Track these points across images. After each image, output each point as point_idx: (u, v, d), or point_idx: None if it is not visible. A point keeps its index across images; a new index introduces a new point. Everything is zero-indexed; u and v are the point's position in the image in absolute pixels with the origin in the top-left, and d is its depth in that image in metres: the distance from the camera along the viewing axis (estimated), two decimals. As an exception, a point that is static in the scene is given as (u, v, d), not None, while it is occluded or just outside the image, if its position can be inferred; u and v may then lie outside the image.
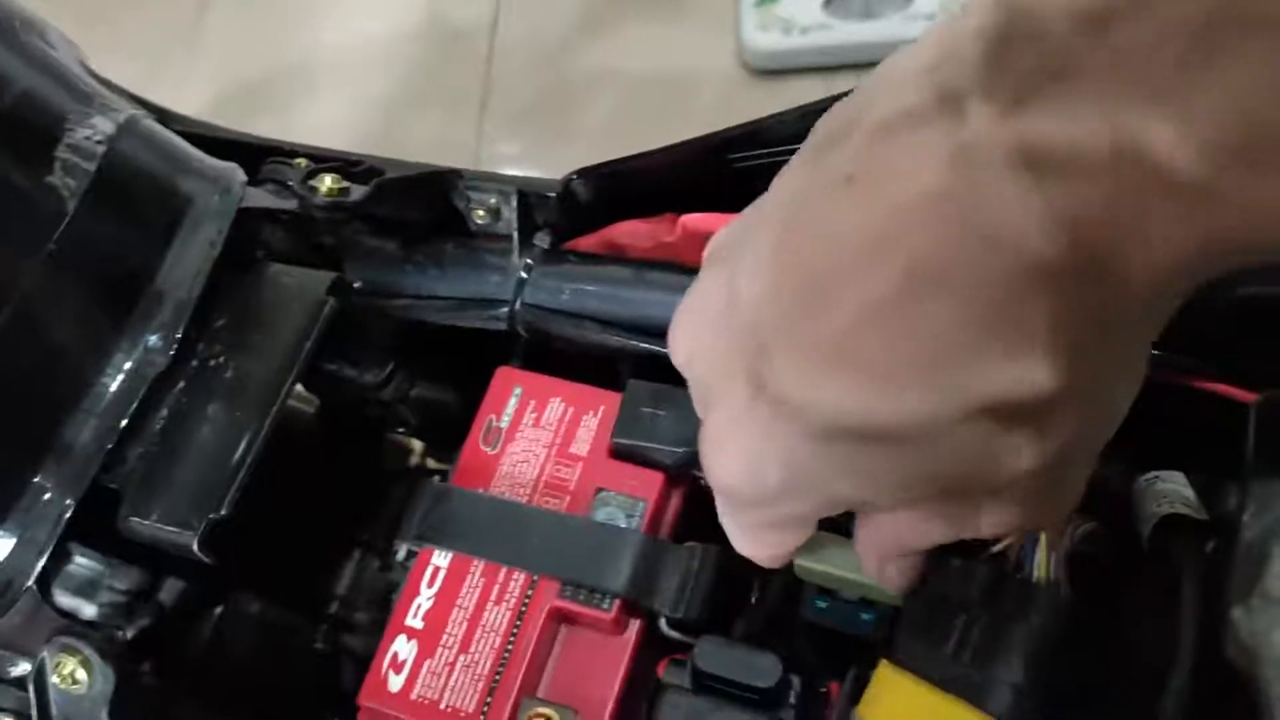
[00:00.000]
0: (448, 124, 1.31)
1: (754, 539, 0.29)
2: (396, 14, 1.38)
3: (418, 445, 0.62)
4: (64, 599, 0.48)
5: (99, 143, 0.33)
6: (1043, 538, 0.32)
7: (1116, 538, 0.33)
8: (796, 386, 0.23)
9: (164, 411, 0.35)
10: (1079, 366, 0.22)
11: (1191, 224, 0.19)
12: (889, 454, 0.23)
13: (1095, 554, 0.32)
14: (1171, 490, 0.33)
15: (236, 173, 0.38)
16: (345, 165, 0.42)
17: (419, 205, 0.43)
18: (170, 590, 0.54)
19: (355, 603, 0.59)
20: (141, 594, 0.53)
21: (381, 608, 0.58)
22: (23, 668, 0.37)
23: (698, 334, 0.26)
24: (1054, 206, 0.20)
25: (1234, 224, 0.19)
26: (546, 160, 1.28)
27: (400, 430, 0.55)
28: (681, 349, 0.27)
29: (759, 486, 0.25)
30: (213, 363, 0.36)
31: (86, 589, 0.52)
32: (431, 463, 0.63)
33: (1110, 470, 0.36)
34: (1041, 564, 0.32)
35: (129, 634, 0.50)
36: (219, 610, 0.54)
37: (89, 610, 0.51)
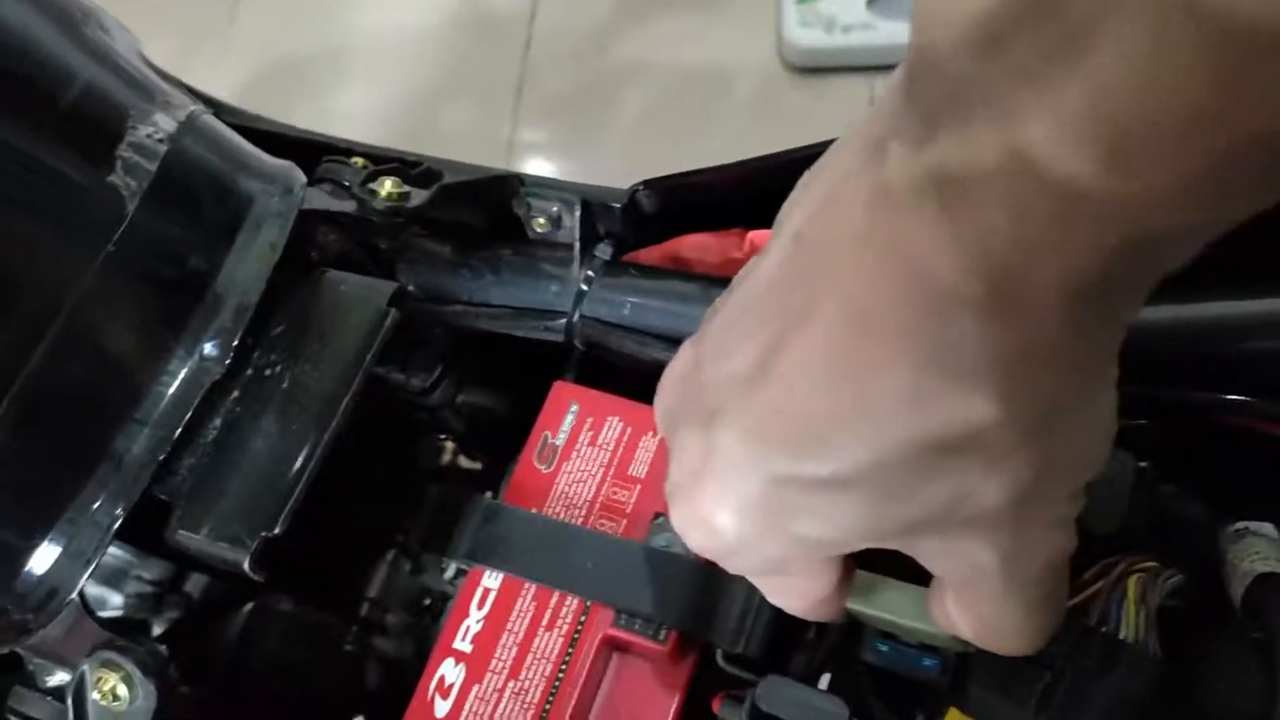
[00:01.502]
0: (482, 112, 1.29)
1: (766, 589, 0.30)
2: (435, 2, 1.36)
3: (450, 445, 0.61)
4: (91, 589, 0.47)
5: (160, 141, 0.32)
6: (1131, 590, 0.31)
7: (1203, 591, 0.32)
8: (741, 444, 0.24)
9: (218, 421, 0.34)
10: (1021, 395, 0.22)
11: (1092, 230, 0.19)
12: (843, 498, 0.24)
13: (1183, 609, 0.31)
14: (1263, 545, 0.32)
15: (296, 172, 0.37)
16: (403, 167, 0.41)
17: (478, 210, 0.41)
18: (198, 583, 0.53)
19: (386, 605, 0.58)
20: (169, 586, 0.53)
21: (412, 611, 0.58)
22: (59, 678, 0.36)
23: (667, 394, 0.28)
24: (961, 235, 0.20)
25: (1132, 223, 0.19)
26: (580, 152, 1.27)
27: (443, 436, 0.54)
28: (658, 408, 0.28)
29: (718, 536, 0.26)
30: (269, 372, 0.35)
31: (114, 579, 0.51)
32: (464, 461, 0.62)
33: (1193, 515, 0.34)
34: (1129, 619, 0.30)
35: (157, 628, 0.49)
36: (249, 608, 0.53)
37: (116, 600, 0.50)
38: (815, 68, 1.22)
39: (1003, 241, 0.20)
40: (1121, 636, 0.30)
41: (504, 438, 0.51)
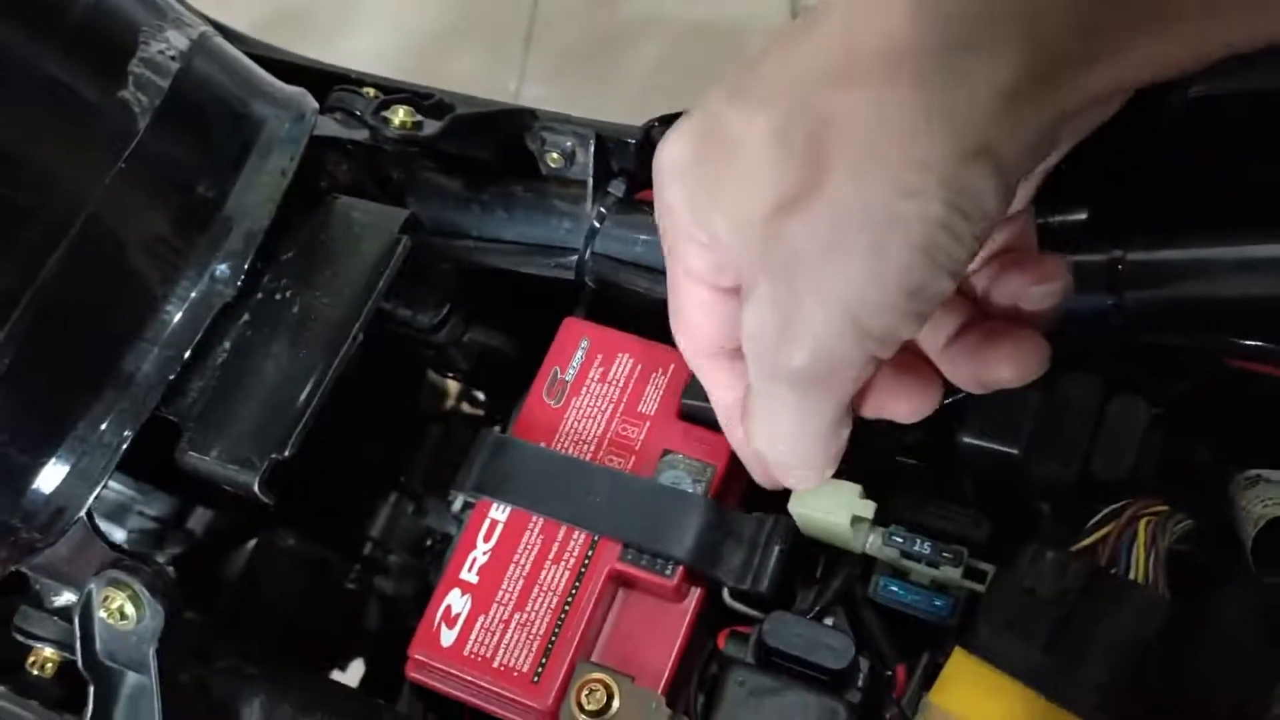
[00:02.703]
0: (489, 63, 1.28)
1: (677, 296, 0.29)
2: (445, -55, 1.35)
3: (454, 387, 0.61)
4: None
5: (172, 58, 0.32)
6: (1141, 534, 0.31)
7: (1214, 536, 0.32)
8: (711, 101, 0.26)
9: (227, 344, 0.34)
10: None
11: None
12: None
13: (1193, 553, 0.31)
14: (1276, 491, 0.32)
15: (308, 99, 0.37)
16: (416, 98, 0.41)
17: (491, 144, 0.41)
18: (202, 520, 0.53)
19: (389, 545, 0.58)
20: (172, 521, 0.53)
21: (414, 552, 0.58)
22: (66, 598, 0.36)
23: None
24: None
25: None
26: (588, 105, 1.25)
27: (450, 375, 0.54)
28: None
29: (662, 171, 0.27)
30: (278, 297, 0.34)
31: (117, 514, 0.51)
32: (467, 406, 0.62)
33: (1204, 460, 0.34)
34: (1139, 562, 0.30)
35: (162, 561, 0.50)
36: (252, 544, 0.53)
37: (119, 535, 0.50)
38: (827, 23, 1.21)
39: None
40: (1131, 578, 0.30)
41: (510, 376, 0.51)
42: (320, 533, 0.55)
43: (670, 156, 0.27)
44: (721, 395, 0.31)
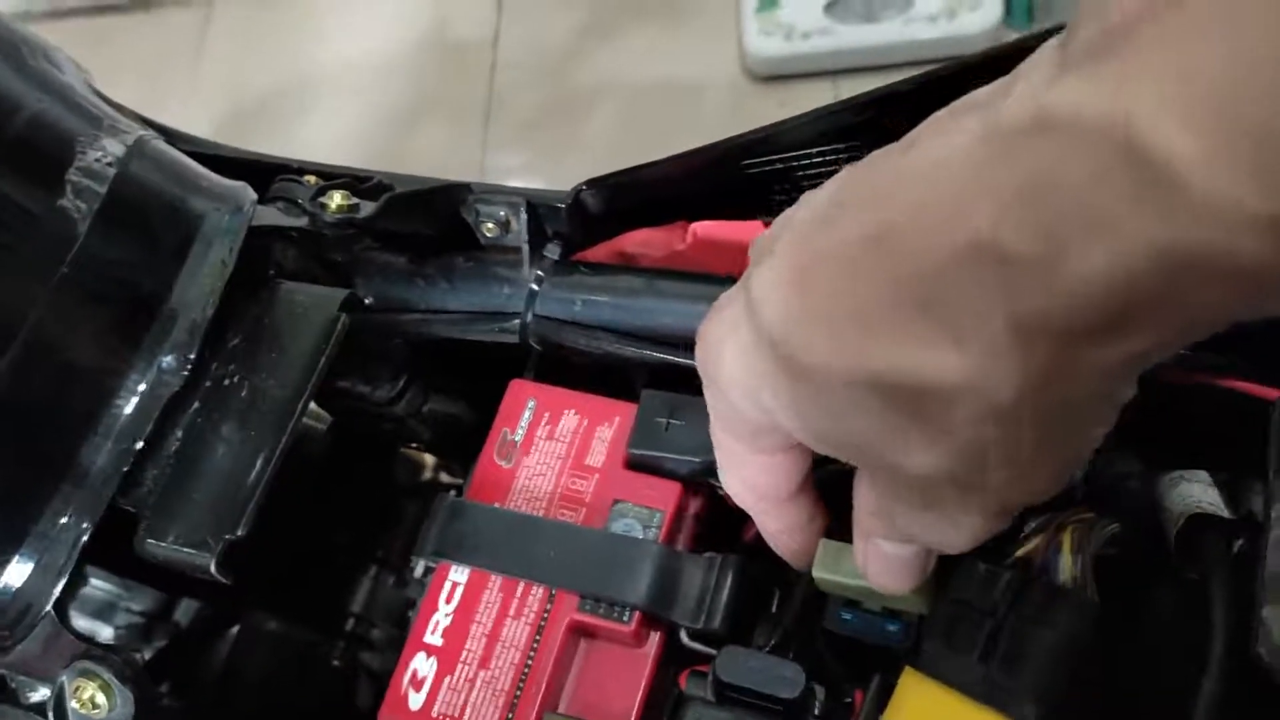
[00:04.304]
0: (452, 137, 1.31)
1: (725, 462, 0.31)
2: (399, 28, 1.38)
3: (430, 460, 0.62)
4: (81, 622, 0.48)
5: (109, 164, 0.33)
6: (1066, 541, 0.32)
7: (1141, 539, 0.33)
8: (758, 286, 0.25)
9: (179, 433, 0.35)
10: (994, 379, 0.21)
11: (1170, 224, 0.18)
12: (800, 387, 0.25)
13: (1120, 556, 0.32)
14: (1196, 490, 0.33)
15: (246, 191, 0.38)
16: (354, 181, 0.42)
17: (428, 219, 0.43)
18: (186, 611, 0.54)
19: (372, 619, 0.59)
20: (158, 615, 0.53)
21: (398, 624, 0.58)
22: (41, 693, 0.37)
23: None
24: (1032, 184, 0.19)
25: (1227, 236, 0.17)
26: (552, 171, 1.28)
27: (414, 445, 0.55)
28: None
29: (712, 358, 0.27)
30: (227, 382, 0.36)
31: (104, 611, 0.52)
32: (445, 477, 0.63)
33: (1130, 469, 0.35)
34: (1066, 567, 0.31)
35: (147, 655, 0.50)
36: (235, 630, 0.54)
37: (106, 633, 0.51)
38: (779, 75, 1.24)
39: (1069, 204, 0.19)
40: (1060, 584, 0.31)
41: (474, 442, 0.52)
42: (302, 612, 0.56)
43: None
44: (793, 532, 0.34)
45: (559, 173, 1.27)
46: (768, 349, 0.25)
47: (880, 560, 0.30)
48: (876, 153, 0.25)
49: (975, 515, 0.25)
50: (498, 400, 0.42)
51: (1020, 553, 0.32)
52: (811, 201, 0.26)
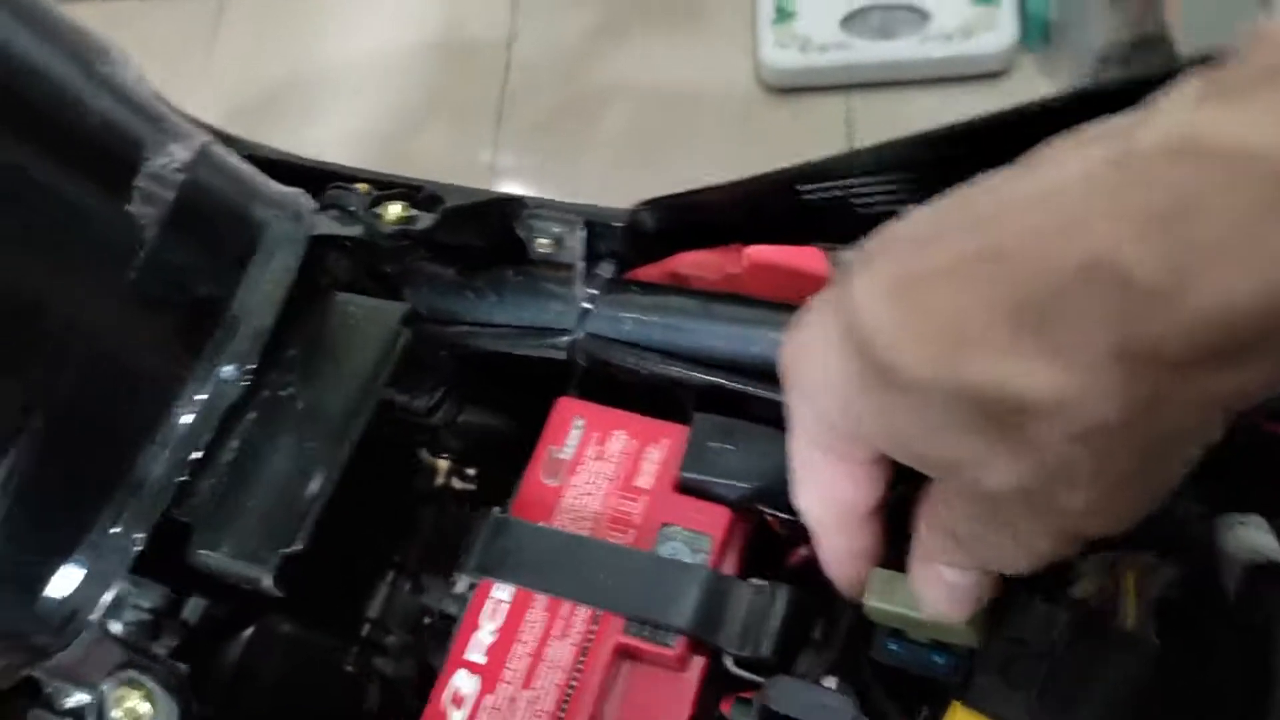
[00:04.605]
0: (462, 137, 1.30)
1: (802, 469, 0.31)
2: (414, 26, 1.38)
3: (443, 465, 0.62)
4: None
5: (177, 170, 0.33)
6: (1129, 583, 0.32)
7: (1198, 583, 0.33)
8: (858, 294, 0.25)
9: (235, 443, 0.35)
10: (1093, 399, 0.21)
11: None
12: (891, 398, 0.25)
13: (1180, 601, 0.32)
14: (1254, 535, 0.33)
15: (305, 199, 0.38)
16: (408, 191, 0.42)
17: (480, 232, 0.42)
18: (195, 608, 0.53)
19: (387, 625, 0.58)
20: (166, 612, 0.53)
21: (413, 631, 0.58)
22: (77, 699, 0.37)
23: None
24: (1174, 210, 0.19)
25: None
26: (561, 175, 1.28)
27: (443, 456, 0.55)
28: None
29: (803, 356, 0.27)
30: (283, 393, 0.35)
31: (111, 609, 0.51)
32: (457, 482, 0.63)
33: (1187, 511, 0.36)
34: (1129, 610, 0.32)
35: (159, 654, 0.50)
36: (249, 631, 0.53)
37: (114, 628, 0.51)
38: (792, 87, 1.24)
39: (1209, 231, 0.19)
40: (1120, 626, 0.31)
41: (504, 454, 0.51)
42: (319, 617, 0.55)
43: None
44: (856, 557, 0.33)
45: (569, 176, 1.27)
46: (862, 356, 0.25)
47: (938, 586, 0.30)
48: (987, 176, 0.25)
49: (1045, 539, 0.26)
50: (532, 414, 0.42)
51: (1080, 593, 0.32)
52: (916, 217, 0.26)
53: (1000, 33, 1.19)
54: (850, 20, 1.23)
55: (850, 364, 0.26)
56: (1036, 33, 1.20)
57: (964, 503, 0.27)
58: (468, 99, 1.32)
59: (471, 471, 0.60)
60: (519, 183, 1.30)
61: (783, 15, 1.25)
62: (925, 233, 0.25)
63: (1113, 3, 1.09)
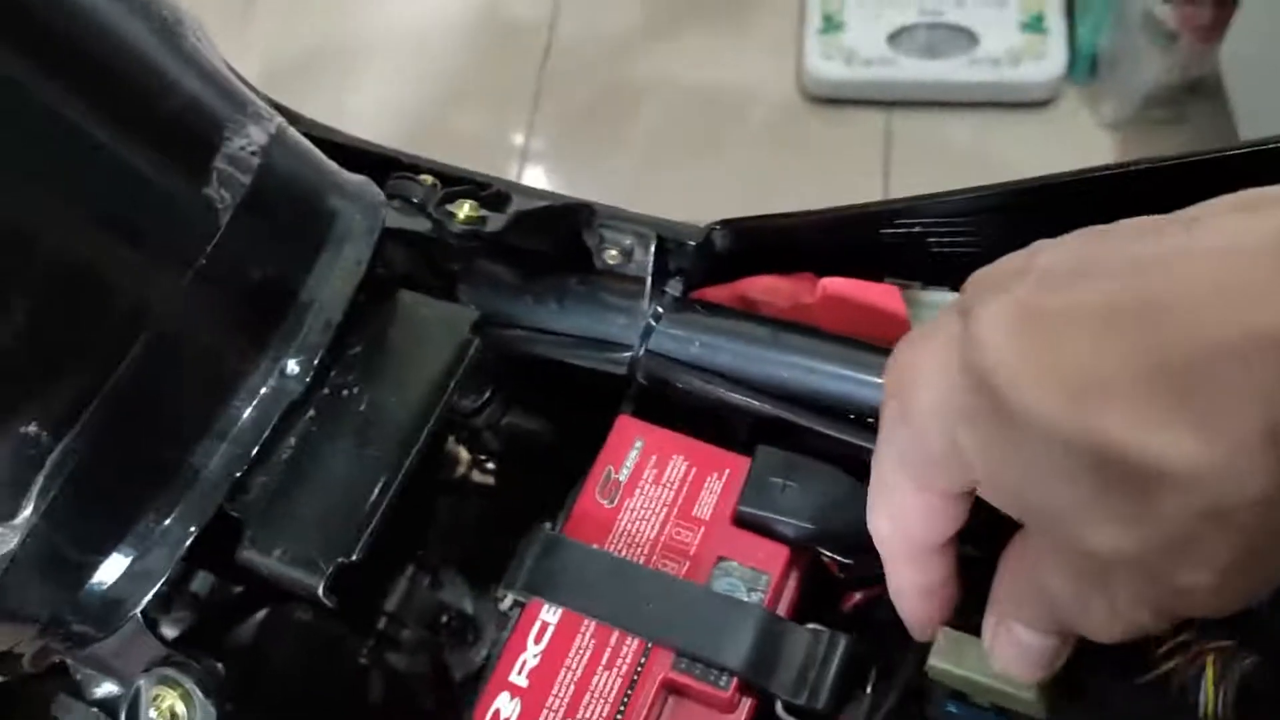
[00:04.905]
0: (497, 118, 1.29)
1: (881, 490, 0.29)
2: (456, 4, 1.36)
3: (465, 455, 0.60)
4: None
5: (254, 153, 0.32)
6: (1209, 669, 0.31)
7: (1272, 671, 0.32)
8: (984, 323, 0.24)
9: (292, 441, 0.33)
10: (1234, 470, 0.21)
11: None
12: (1005, 433, 0.24)
13: (1259, 691, 0.31)
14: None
15: (375, 189, 0.37)
16: (475, 188, 0.41)
17: (547, 237, 0.41)
18: (204, 583, 0.52)
19: (404, 620, 0.57)
20: (176, 587, 0.52)
21: (429, 627, 0.57)
22: (107, 689, 0.35)
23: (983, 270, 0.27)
24: None
25: None
26: (593, 165, 1.27)
27: (481, 457, 0.54)
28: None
29: (908, 377, 0.26)
30: (345, 393, 0.34)
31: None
32: (476, 475, 0.61)
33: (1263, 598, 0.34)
34: (1208, 697, 0.30)
35: (165, 627, 0.49)
36: (262, 614, 0.52)
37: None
38: (833, 99, 1.23)
39: None
40: (1201, 714, 0.30)
41: (542, 460, 0.50)
42: (334, 607, 0.54)
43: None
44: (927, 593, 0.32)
45: (601, 167, 1.25)
46: (980, 387, 0.24)
47: (1013, 646, 0.29)
48: (1137, 221, 0.24)
49: (1143, 610, 0.25)
50: (573, 424, 0.40)
51: (1157, 672, 0.31)
52: (1055, 251, 0.25)
53: (1048, 62, 1.17)
54: (897, 36, 1.21)
55: (963, 392, 0.25)
56: (1083, 65, 1.18)
57: (1058, 559, 0.25)
58: (505, 80, 1.30)
59: (491, 465, 0.59)
60: (550, 170, 1.28)
61: (830, 26, 1.23)
62: (1066, 266, 0.24)
63: (1166, 44, 1.08)
